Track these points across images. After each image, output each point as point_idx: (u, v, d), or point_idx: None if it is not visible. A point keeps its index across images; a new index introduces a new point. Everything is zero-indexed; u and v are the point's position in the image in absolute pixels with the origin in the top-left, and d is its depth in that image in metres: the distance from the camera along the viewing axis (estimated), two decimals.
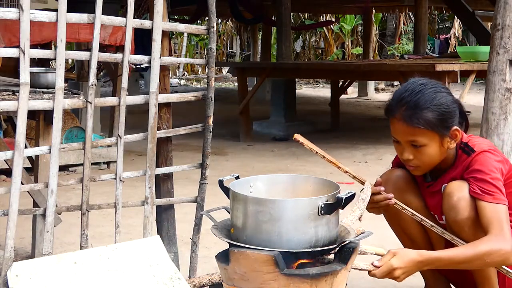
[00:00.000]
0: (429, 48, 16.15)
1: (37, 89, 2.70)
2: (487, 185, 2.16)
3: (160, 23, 2.61)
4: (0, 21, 3.87)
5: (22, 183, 2.44)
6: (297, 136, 2.26)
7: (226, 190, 2.12)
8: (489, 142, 2.46)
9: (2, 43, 4.12)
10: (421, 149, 2.24)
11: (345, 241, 2.00)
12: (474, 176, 2.20)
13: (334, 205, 1.97)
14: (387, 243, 2.77)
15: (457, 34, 19.74)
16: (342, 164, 2.34)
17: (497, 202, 2.14)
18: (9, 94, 2.61)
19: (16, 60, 2.31)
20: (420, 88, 2.24)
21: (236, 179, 2.19)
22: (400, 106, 2.23)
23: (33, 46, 2.37)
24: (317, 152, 2.29)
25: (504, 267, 2.20)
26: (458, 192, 2.21)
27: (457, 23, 19.38)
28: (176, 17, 14.60)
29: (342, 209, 2.01)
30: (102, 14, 2.46)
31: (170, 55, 2.87)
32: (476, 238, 2.15)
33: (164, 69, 2.74)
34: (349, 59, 19.75)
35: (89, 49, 2.51)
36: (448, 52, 16.80)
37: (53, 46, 5.97)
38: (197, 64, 11.13)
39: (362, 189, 2.32)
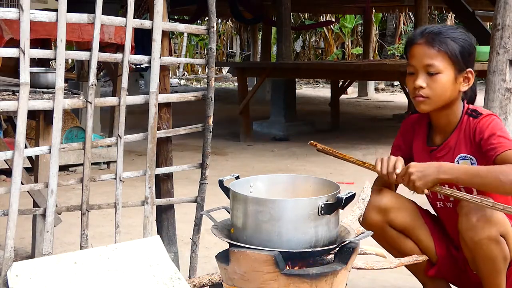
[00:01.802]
0: None
1: (37, 89, 2.70)
2: (499, 138, 2.18)
3: (160, 23, 2.61)
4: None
5: (22, 183, 2.44)
6: (314, 142, 2.32)
7: (226, 190, 2.12)
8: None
9: (9, 35, 4.11)
10: (436, 76, 2.24)
11: (345, 241, 2.00)
12: (485, 136, 2.20)
13: (334, 205, 1.97)
14: None
15: None
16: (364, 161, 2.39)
17: None
18: (9, 94, 2.61)
19: (16, 60, 2.31)
20: (445, 24, 2.36)
21: (236, 179, 2.19)
22: (424, 33, 2.29)
23: (33, 46, 2.37)
24: (337, 154, 2.36)
25: None
26: (477, 212, 2.15)
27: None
28: (176, 17, 14.60)
29: (342, 209, 2.01)
30: (102, 14, 2.46)
31: (170, 55, 2.86)
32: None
33: (164, 69, 2.74)
34: (349, 59, 19.75)
35: (89, 49, 2.51)
36: None
37: (53, 46, 5.97)
38: (197, 64, 11.11)
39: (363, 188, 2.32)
